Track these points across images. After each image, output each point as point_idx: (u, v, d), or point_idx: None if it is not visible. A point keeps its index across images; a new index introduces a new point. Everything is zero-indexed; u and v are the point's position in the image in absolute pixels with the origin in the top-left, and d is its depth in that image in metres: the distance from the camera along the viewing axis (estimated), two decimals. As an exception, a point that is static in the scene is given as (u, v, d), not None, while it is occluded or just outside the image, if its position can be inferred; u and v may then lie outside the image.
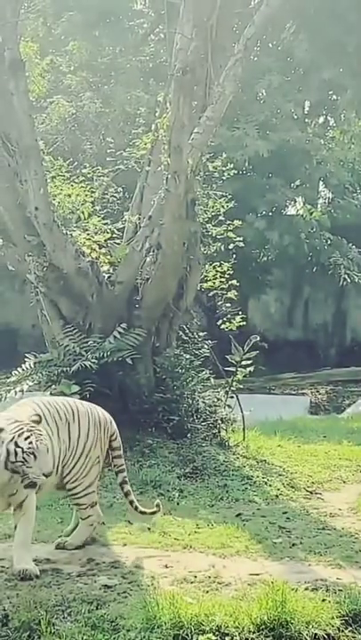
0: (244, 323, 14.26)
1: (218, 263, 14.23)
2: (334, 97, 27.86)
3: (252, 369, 13.57)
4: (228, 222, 13.99)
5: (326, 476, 11.47)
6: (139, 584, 6.84)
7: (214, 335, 14.88)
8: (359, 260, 27.98)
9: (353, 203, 29.95)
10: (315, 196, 30.46)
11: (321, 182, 30.09)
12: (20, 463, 6.88)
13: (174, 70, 12.61)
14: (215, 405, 13.27)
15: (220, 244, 14.48)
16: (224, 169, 14.22)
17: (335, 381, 25.61)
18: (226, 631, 6.01)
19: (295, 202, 29.33)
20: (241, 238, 14.34)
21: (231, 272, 14.17)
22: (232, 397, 13.71)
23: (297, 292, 31.41)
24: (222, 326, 14.21)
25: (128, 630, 6.00)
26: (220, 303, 14.38)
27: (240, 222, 14.51)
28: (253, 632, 6.05)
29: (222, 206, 13.94)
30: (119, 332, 12.30)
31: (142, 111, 22.76)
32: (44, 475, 6.98)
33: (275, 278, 30.15)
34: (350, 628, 6.23)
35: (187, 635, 5.95)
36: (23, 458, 6.87)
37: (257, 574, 7.02)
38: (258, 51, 26.19)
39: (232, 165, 14.57)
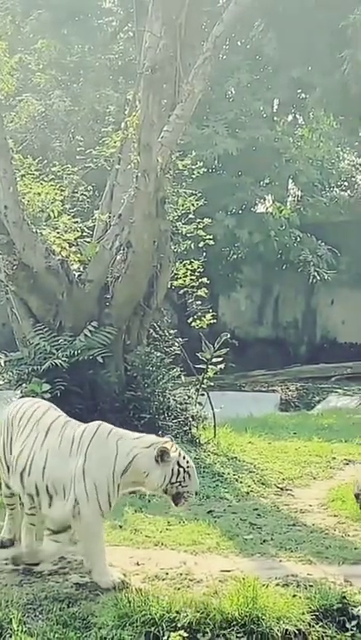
0: (215, 320, 14.30)
1: (188, 261, 14.26)
2: (303, 95, 27.96)
3: (222, 366, 13.60)
4: (198, 220, 14.02)
5: (297, 472, 11.51)
6: (110, 582, 6.84)
7: (185, 333, 14.91)
8: (329, 257, 28.08)
9: (322, 200, 30.04)
10: (284, 193, 30.54)
11: (290, 180, 30.17)
12: (179, 483, 6.86)
13: (143, 68, 12.61)
14: (186, 403, 13.28)
15: (190, 241, 14.51)
16: (194, 167, 14.26)
17: (305, 378, 25.70)
18: (197, 628, 6.03)
19: (265, 200, 29.42)
20: (211, 236, 14.38)
21: (201, 270, 14.21)
22: (203, 395, 13.74)
23: (267, 289, 31.49)
24: (193, 324, 14.25)
25: (100, 628, 6.01)
26: (190, 301, 14.40)
27: (210, 220, 14.54)
28: (225, 628, 6.08)
29: (192, 204, 13.98)
30: (90, 331, 12.29)
31: (111, 109, 22.74)
32: (195, 493, 7.12)
33: (245, 276, 30.21)
34: (321, 624, 6.27)
35: (158, 632, 5.96)
36: (183, 477, 6.86)
37: (228, 571, 7.04)
38: (227, 49, 26.23)
39: (202, 163, 14.62)
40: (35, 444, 6.93)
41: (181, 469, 6.82)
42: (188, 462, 6.89)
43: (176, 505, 6.97)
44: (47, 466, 6.86)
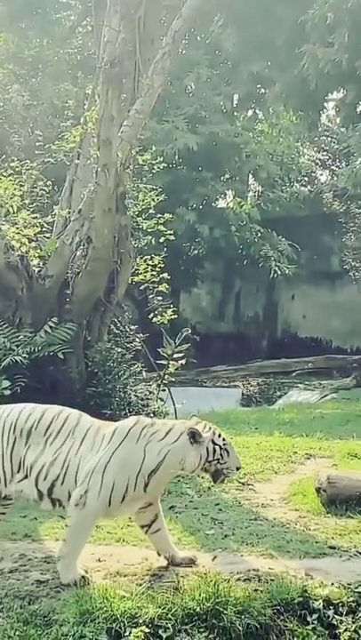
0: (176, 316, 14.30)
1: (149, 256, 14.25)
2: (263, 90, 27.96)
3: (183, 362, 13.59)
4: (159, 215, 14.02)
5: (258, 467, 11.51)
6: (71, 578, 6.81)
7: (146, 328, 14.89)
8: (289, 252, 28.21)
9: (282, 195, 30.19)
10: (244, 188, 30.66)
11: (250, 175, 30.27)
12: (217, 461, 6.87)
13: (102, 63, 12.56)
14: (147, 398, 13.27)
15: (150, 237, 14.51)
16: (154, 162, 14.25)
17: (266, 373, 25.80)
18: (159, 623, 6.01)
19: (225, 195, 29.48)
20: (172, 231, 14.39)
21: (162, 265, 14.20)
22: (164, 390, 13.73)
23: (228, 284, 31.59)
24: (154, 319, 14.24)
25: (61, 625, 5.97)
26: (151, 296, 14.38)
27: (171, 215, 14.55)
28: (187, 623, 6.06)
29: (153, 199, 13.96)
30: (50, 327, 12.24)
31: (71, 104, 22.68)
32: (237, 468, 7.07)
33: (206, 271, 30.29)
34: (282, 618, 6.27)
35: (120, 628, 5.93)
36: (220, 455, 6.88)
37: (190, 566, 7.03)
38: (186, 44, 26.26)
39: (162, 159, 14.62)
40: (70, 454, 6.89)
41: (217, 447, 6.86)
42: (223, 439, 6.93)
43: (215, 482, 7.06)
44: (79, 472, 6.78)
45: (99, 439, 6.87)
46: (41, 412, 7.07)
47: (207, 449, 6.83)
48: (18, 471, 6.91)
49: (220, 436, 6.92)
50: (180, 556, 7.08)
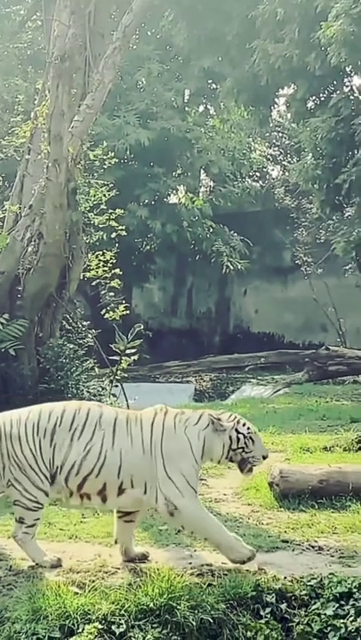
0: (128, 312, 14.28)
1: (101, 252, 14.20)
2: (214, 85, 28.04)
3: (136, 358, 13.59)
4: (111, 211, 13.96)
5: (211, 461, 11.54)
6: (24, 576, 6.77)
7: (98, 324, 14.86)
8: (241, 247, 28.29)
9: (234, 191, 30.25)
10: (196, 184, 30.70)
11: (202, 171, 30.31)
12: (241, 449, 6.91)
13: (52, 57, 12.51)
14: (100, 394, 13.25)
15: (102, 232, 14.44)
16: (105, 157, 14.20)
17: (219, 368, 25.84)
18: (112, 619, 6.00)
19: (177, 190, 29.48)
20: (123, 227, 14.33)
21: (114, 261, 14.16)
22: (117, 386, 13.71)
23: (180, 280, 31.63)
24: (106, 315, 14.20)
25: (13, 622, 5.94)
26: (103, 292, 14.34)
27: (122, 211, 14.51)
28: (140, 619, 6.05)
29: (104, 195, 13.92)
30: (1, 323, 12.17)
31: (21, 99, 22.44)
32: (263, 457, 7.08)
33: (158, 267, 30.31)
34: (235, 612, 6.29)
35: (73, 624, 5.92)
36: (245, 443, 6.92)
37: (143, 562, 7.03)
38: (137, 39, 26.23)
39: (113, 154, 14.55)
40: (104, 446, 6.84)
41: (241, 435, 6.92)
42: (248, 428, 6.98)
43: (242, 471, 7.08)
44: (123, 466, 6.78)
45: (136, 433, 6.89)
46: (61, 408, 6.99)
47: (230, 437, 6.90)
48: (49, 471, 6.85)
49: (244, 424, 6.99)
50: (134, 552, 7.07)
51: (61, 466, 6.80)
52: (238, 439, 6.92)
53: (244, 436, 6.94)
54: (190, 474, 6.79)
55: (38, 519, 7.02)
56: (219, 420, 6.90)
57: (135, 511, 7.08)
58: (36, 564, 6.89)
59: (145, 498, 6.80)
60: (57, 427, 6.86)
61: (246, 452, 6.96)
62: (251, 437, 6.98)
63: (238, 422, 6.97)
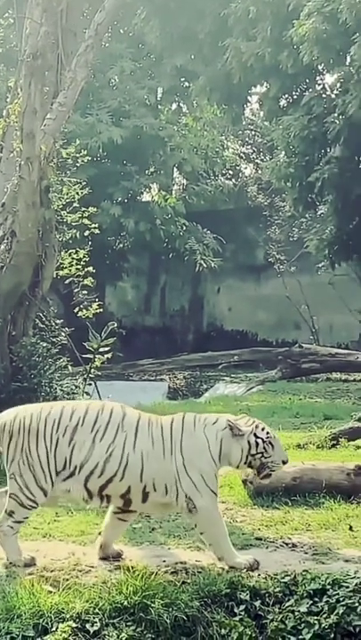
0: (102, 310, 14.26)
1: (74, 250, 14.16)
2: (187, 84, 28.07)
3: (109, 356, 13.57)
4: (84, 209, 13.93)
5: (185, 459, 11.55)
6: (-3, 575, 6.77)
7: (71, 323, 14.81)
8: (214, 245, 28.34)
9: (207, 189, 30.31)
10: (169, 182, 30.70)
11: (175, 169, 30.33)
12: (260, 454, 6.88)
13: (24, 55, 12.45)
14: (73, 393, 13.20)
15: (75, 230, 14.40)
16: (78, 155, 14.15)
17: (193, 366, 25.85)
18: (86, 618, 5.99)
19: (150, 188, 29.49)
20: (96, 225, 14.31)
21: (87, 259, 14.13)
22: (90, 385, 13.69)
23: (154, 278, 31.65)
24: (79, 314, 14.17)
25: (-13, 622, 5.94)
26: (76, 290, 14.30)
27: (95, 209, 14.48)
28: (114, 617, 6.05)
29: (77, 193, 13.87)
30: (-27, 322, 12.11)
31: (-7, 97, 22.45)
32: (283, 462, 7.05)
33: (131, 265, 30.32)
34: (209, 609, 6.30)
35: (47, 623, 5.91)
36: (264, 448, 6.88)
37: (117, 560, 7.03)
38: (109, 37, 26.16)
39: (86, 152, 14.51)
40: (126, 447, 6.81)
41: (260, 440, 6.89)
42: (267, 433, 6.94)
43: (260, 477, 7.08)
44: (145, 469, 6.77)
45: (157, 435, 6.88)
46: (84, 408, 6.96)
47: (249, 442, 6.87)
48: (63, 469, 6.81)
49: (263, 429, 6.95)
50: (111, 550, 7.07)
51: (81, 466, 6.77)
52: (257, 444, 6.89)
53: (263, 441, 6.91)
54: (209, 474, 6.80)
55: (27, 518, 7.03)
56: (235, 425, 6.88)
57: (133, 511, 7.11)
58: (10, 563, 6.85)
59: (167, 499, 6.82)
60: (78, 426, 6.83)
61: (265, 457, 6.93)
62: (270, 442, 6.95)
63: (257, 427, 6.95)
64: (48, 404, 7.15)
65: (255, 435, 6.90)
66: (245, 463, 6.95)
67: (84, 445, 6.78)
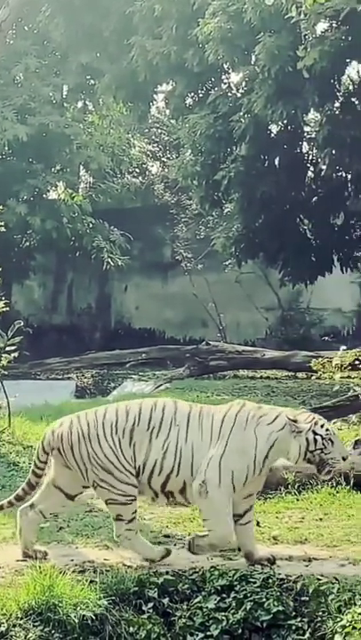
0: (8, 308, 14.10)
1: (-22, 249, 14.03)
2: (92, 81, 27.99)
3: (16, 355, 13.44)
4: (-12, 207, 13.81)
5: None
6: None
7: (-23, 322, 14.64)
8: (122, 242, 28.34)
9: (114, 187, 30.32)
10: (76, 180, 30.62)
11: (81, 167, 30.25)
12: (320, 451, 6.78)
13: None
14: (-21, 393, 13.07)
15: (-20, 229, 14.26)
16: (-18, 153, 14.02)
17: (100, 365, 25.76)
18: (-7, 619, 5.96)
19: (56, 186, 29.33)
20: (2, 223, 14.17)
21: (-8, 257, 14.00)
22: (-4, 384, 13.54)
23: (60, 276, 31.51)
24: (-15, 313, 14.01)
25: None
26: (-18, 289, 14.17)
27: (1, 207, 14.35)
28: (21, 618, 6.01)
29: (-19, 191, 13.75)
30: None
31: None
32: (343, 459, 6.97)
33: (38, 263, 30.14)
34: (118, 608, 6.31)
35: None
36: (323, 445, 6.78)
37: (24, 560, 6.99)
38: (14, 34, 25.98)
39: (-10, 149, 14.39)
40: (179, 442, 6.79)
41: (319, 437, 6.81)
42: (327, 430, 6.87)
43: (320, 474, 7.01)
44: (194, 462, 6.77)
45: (206, 426, 6.86)
46: (137, 407, 6.94)
47: (307, 439, 6.81)
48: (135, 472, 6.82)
49: (322, 426, 6.89)
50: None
51: (143, 466, 6.79)
52: (316, 440, 6.84)
53: (323, 438, 6.85)
54: (240, 473, 6.77)
55: (136, 512, 6.99)
56: (295, 421, 6.85)
57: (247, 510, 7.07)
58: (149, 560, 6.94)
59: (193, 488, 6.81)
60: (135, 426, 6.83)
61: (325, 454, 6.88)
62: (330, 439, 6.89)
63: (316, 424, 6.89)
64: (100, 408, 7.10)
65: (314, 431, 6.85)
66: (304, 459, 6.92)
67: (142, 445, 6.80)
